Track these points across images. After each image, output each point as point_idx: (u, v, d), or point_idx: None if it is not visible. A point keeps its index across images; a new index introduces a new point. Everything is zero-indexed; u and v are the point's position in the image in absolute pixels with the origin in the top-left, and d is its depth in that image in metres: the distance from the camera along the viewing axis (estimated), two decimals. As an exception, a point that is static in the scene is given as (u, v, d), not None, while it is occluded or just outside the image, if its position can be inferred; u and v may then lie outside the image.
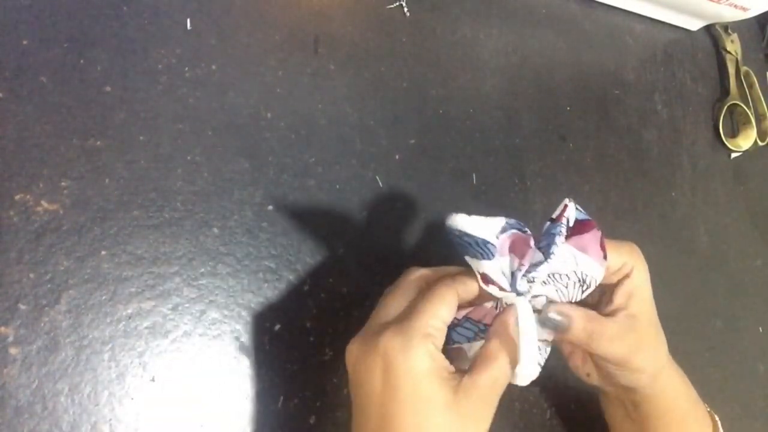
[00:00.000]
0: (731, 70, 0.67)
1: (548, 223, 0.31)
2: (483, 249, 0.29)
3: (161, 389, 0.34)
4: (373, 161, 0.44)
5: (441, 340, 0.31)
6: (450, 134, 0.48)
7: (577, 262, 0.31)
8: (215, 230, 0.37)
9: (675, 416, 0.37)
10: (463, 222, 0.29)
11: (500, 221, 0.30)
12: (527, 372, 0.29)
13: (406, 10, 0.49)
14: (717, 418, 0.40)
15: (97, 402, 0.32)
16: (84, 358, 0.32)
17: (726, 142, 0.64)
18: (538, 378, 0.46)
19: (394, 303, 0.33)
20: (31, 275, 0.32)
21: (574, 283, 0.31)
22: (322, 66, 0.44)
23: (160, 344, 0.34)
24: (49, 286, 0.33)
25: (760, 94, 0.67)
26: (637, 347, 0.33)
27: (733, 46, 0.68)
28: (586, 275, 0.31)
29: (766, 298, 0.62)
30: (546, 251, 0.30)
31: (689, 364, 0.40)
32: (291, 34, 0.43)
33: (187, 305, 0.36)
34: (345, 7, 0.46)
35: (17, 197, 0.33)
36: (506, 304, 0.32)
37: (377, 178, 0.44)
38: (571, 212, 0.31)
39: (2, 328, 0.31)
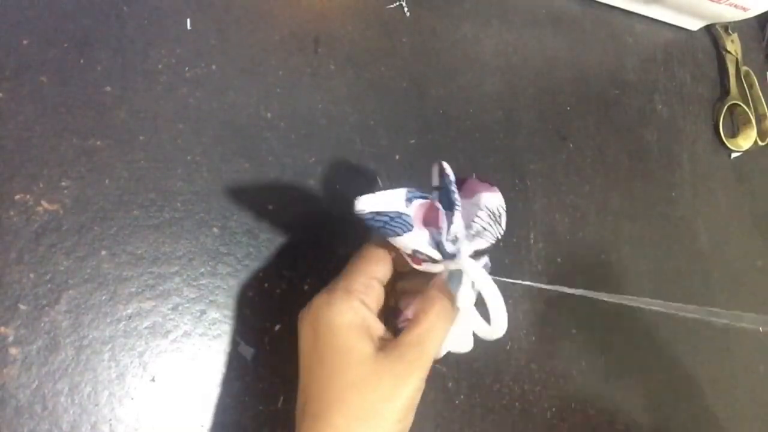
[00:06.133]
0: (731, 70, 0.67)
1: (436, 186, 0.33)
2: (399, 223, 0.30)
3: (161, 389, 0.34)
4: (373, 161, 0.44)
5: (372, 296, 0.31)
6: (450, 134, 0.48)
7: (476, 203, 0.32)
8: (215, 230, 0.37)
9: None
10: (370, 202, 0.29)
11: (402, 190, 0.31)
12: (501, 324, 0.30)
13: (406, 10, 0.49)
14: None
15: (97, 402, 0.32)
16: (84, 358, 0.32)
17: (726, 142, 0.64)
18: (539, 377, 0.45)
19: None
20: (31, 275, 0.32)
21: (489, 223, 0.32)
22: (322, 66, 0.44)
23: (160, 344, 0.34)
24: (49, 286, 0.33)
25: (760, 94, 0.67)
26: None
27: (733, 46, 0.68)
28: (491, 206, 0.32)
29: (766, 298, 0.62)
30: (450, 203, 0.31)
31: (689, 364, 0.39)
32: (291, 34, 0.43)
33: (187, 305, 0.36)
34: (345, 7, 0.46)
35: (17, 197, 0.33)
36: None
37: (377, 178, 0.44)
38: (448, 168, 0.32)
39: (2, 328, 0.31)
